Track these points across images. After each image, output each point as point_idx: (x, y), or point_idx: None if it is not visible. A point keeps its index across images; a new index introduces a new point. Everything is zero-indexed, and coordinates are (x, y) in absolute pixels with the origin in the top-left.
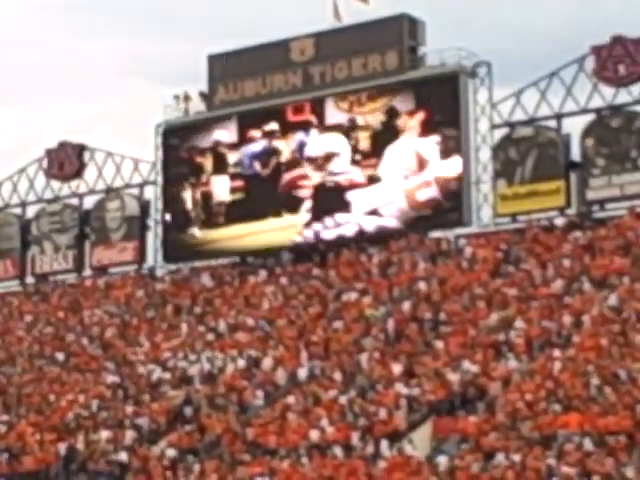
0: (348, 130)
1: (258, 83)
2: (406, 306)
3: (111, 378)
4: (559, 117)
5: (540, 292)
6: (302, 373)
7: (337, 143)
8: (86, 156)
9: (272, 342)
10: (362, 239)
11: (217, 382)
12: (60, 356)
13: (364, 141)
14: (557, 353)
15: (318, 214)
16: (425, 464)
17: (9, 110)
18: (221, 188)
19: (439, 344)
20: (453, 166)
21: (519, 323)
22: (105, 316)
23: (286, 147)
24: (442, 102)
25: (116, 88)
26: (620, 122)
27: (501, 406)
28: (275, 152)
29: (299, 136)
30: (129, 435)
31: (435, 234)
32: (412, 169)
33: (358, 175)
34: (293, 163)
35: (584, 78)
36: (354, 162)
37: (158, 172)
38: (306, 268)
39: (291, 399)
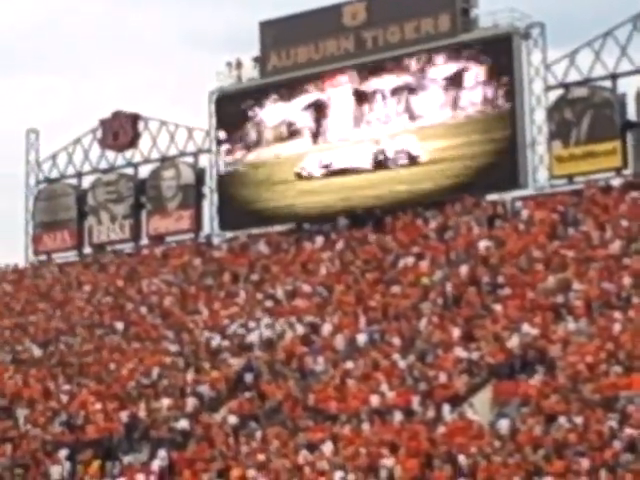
0: None
1: (310, 49)
2: (464, 270)
3: (171, 346)
4: (614, 77)
5: (598, 253)
6: (361, 338)
7: None
8: (140, 125)
9: (330, 308)
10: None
11: (276, 349)
12: (119, 325)
13: None
14: (617, 314)
15: None
16: (486, 428)
17: (62, 80)
18: None
19: (498, 307)
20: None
21: (578, 285)
22: (163, 285)
23: None
24: (496, 63)
25: (169, 56)
26: None
27: (561, 369)
28: None
29: None
30: (190, 403)
31: (491, 197)
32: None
33: None
34: None
35: (639, 37)
36: None
37: (212, 140)
38: (362, 233)
39: (350, 364)
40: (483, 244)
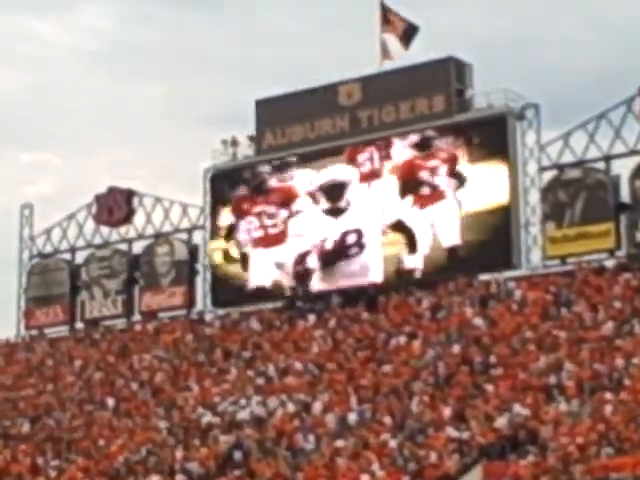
0: None
1: (306, 127)
2: (456, 349)
3: (161, 423)
4: (608, 159)
5: (591, 335)
6: (352, 417)
7: None
8: (135, 201)
9: (321, 386)
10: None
11: (267, 426)
12: (110, 401)
13: None
14: (608, 396)
15: None
16: None
17: (56, 156)
18: None
19: (489, 387)
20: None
21: (570, 366)
22: (154, 361)
23: None
24: (490, 144)
25: (163, 132)
26: None
27: (552, 450)
28: None
29: None
30: None
31: (484, 277)
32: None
33: None
34: None
35: (632, 119)
36: None
37: (207, 217)
38: (355, 312)
39: (341, 443)
40: (476, 324)
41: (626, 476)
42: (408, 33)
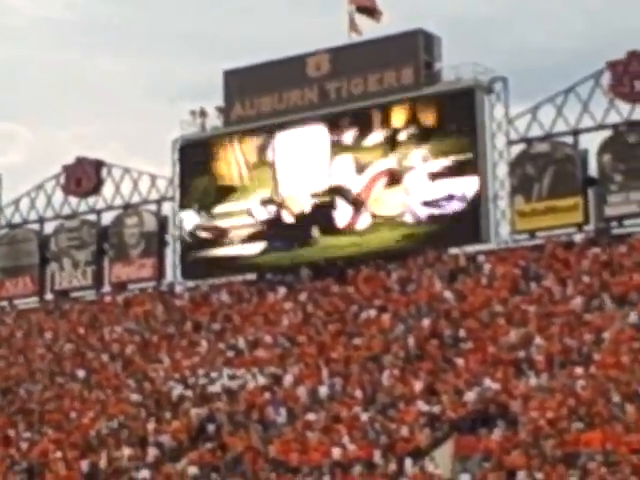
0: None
1: (274, 99)
2: (426, 323)
3: (132, 395)
4: (576, 133)
5: (560, 309)
6: (323, 390)
7: None
8: (103, 172)
9: (292, 359)
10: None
11: (238, 399)
12: (81, 373)
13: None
14: (578, 370)
15: None
16: None
17: (25, 127)
18: None
19: (460, 361)
20: (470, 182)
21: (539, 340)
22: (125, 333)
23: None
24: (458, 117)
25: (133, 105)
26: (637, 138)
27: (523, 424)
28: None
29: None
30: (151, 453)
31: (453, 251)
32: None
33: None
34: None
35: (600, 94)
36: None
37: (175, 188)
38: (325, 285)
39: (312, 416)
40: (445, 298)
41: (596, 450)
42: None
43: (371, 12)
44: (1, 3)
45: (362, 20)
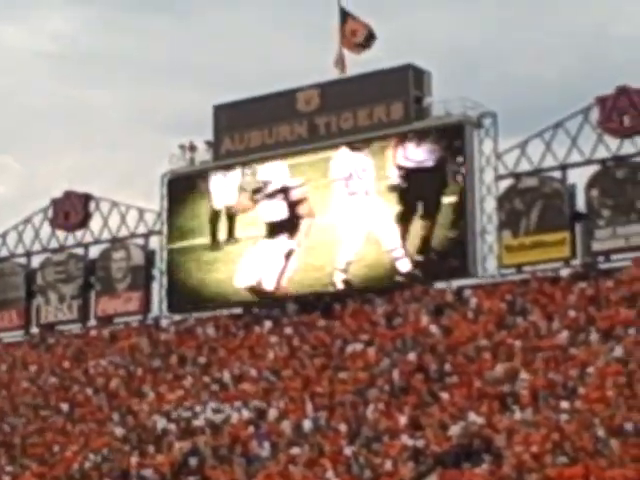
0: None
1: (264, 133)
2: (411, 357)
3: (116, 429)
4: (564, 168)
5: (545, 343)
6: (307, 424)
7: None
8: (91, 206)
9: (277, 393)
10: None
11: (222, 433)
12: (65, 407)
13: None
14: (563, 405)
15: None
16: None
17: (13, 159)
18: None
19: (444, 395)
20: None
21: (524, 374)
22: (110, 366)
23: None
24: (447, 152)
25: (122, 138)
26: (625, 173)
27: (507, 458)
28: None
29: None
30: None
31: (440, 285)
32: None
33: None
34: None
35: (589, 129)
36: None
37: (163, 222)
38: (311, 319)
39: (296, 450)
40: (431, 332)
41: None
42: (367, 40)
43: (363, 45)
44: None
45: (351, 56)
